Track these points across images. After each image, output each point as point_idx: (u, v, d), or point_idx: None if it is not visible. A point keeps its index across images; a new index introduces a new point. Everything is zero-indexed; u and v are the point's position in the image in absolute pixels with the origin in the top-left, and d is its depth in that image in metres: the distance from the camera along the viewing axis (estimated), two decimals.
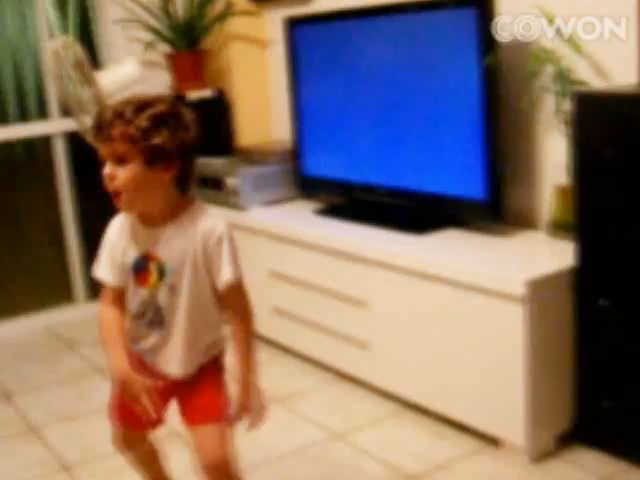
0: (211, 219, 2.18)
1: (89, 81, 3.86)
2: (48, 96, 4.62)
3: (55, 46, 3.85)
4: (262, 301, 3.92)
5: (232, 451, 2.30)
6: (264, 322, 3.95)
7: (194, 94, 4.45)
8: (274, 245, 3.78)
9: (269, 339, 3.98)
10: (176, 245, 2.14)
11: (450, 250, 3.13)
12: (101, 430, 2.74)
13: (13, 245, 4.66)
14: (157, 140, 2.01)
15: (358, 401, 3.41)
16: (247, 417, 2.27)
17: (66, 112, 4.50)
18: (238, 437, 3.17)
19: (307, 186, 4.04)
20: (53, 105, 4.63)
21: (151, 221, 2.15)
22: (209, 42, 4.62)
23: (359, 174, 3.67)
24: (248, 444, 3.11)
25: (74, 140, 4.62)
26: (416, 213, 3.46)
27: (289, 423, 3.28)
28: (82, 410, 2.80)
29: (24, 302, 4.67)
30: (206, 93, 4.51)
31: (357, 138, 3.65)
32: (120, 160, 2.03)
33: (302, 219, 3.79)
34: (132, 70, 3.94)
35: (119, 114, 2.01)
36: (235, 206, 4.01)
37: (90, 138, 2.29)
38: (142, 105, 2.03)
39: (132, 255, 2.18)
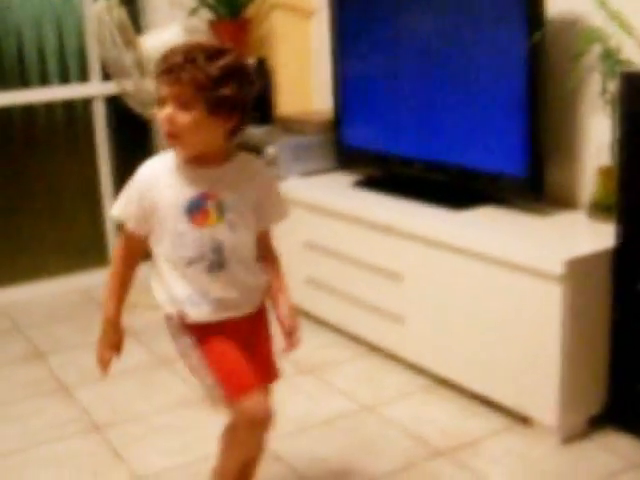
0: (262, 163, 2.39)
1: (132, 45, 3.86)
2: (89, 59, 4.63)
3: (99, 8, 3.84)
4: (296, 272, 3.92)
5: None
6: (297, 292, 3.94)
7: None
8: (311, 216, 3.77)
9: (302, 309, 3.98)
10: (233, 184, 2.16)
11: (488, 226, 3.11)
12: (132, 392, 2.78)
13: (49, 207, 4.68)
14: (225, 91, 2.01)
15: (389, 374, 3.41)
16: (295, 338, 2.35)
17: (107, 75, 4.52)
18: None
19: (346, 158, 4.02)
20: (94, 68, 4.63)
21: (206, 162, 2.15)
22: (252, 10, 4.60)
23: (399, 147, 3.66)
24: (279, 413, 3.14)
25: (113, 103, 4.64)
26: (455, 188, 3.44)
27: (320, 393, 3.29)
28: (114, 372, 2.81)
29: (59, 264, 4.70)
30: (247, 61, 4.49)
31: (398, 110, 3.63)
32: (183, 104, 2.03)
33: (340, 190, 3.78)
34: (175, 36, 3.93)
35: (191, 59, 2.00)
36: (274, 175, 3.99)
37: (152, 78, 2.27)
38: (214, 53, 2.03)
39: (186, 196, 2.14)
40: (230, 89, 2.02)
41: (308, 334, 3.84)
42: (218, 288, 2.19)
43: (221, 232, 2.16)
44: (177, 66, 2.00)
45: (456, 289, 3.08)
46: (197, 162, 2.15)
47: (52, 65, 4.58)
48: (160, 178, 2.16)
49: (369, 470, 2.75)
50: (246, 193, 2.19)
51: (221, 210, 2.15)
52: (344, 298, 3.66)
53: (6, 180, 4.56)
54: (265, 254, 2.35)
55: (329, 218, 3.66)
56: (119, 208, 2.21)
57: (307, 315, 3.95)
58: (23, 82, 4.51)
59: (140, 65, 3.86)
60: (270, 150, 3.99)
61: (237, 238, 2.18)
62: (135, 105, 4.09)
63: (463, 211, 3.28)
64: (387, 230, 3.34)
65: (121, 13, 3.78)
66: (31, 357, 3.78)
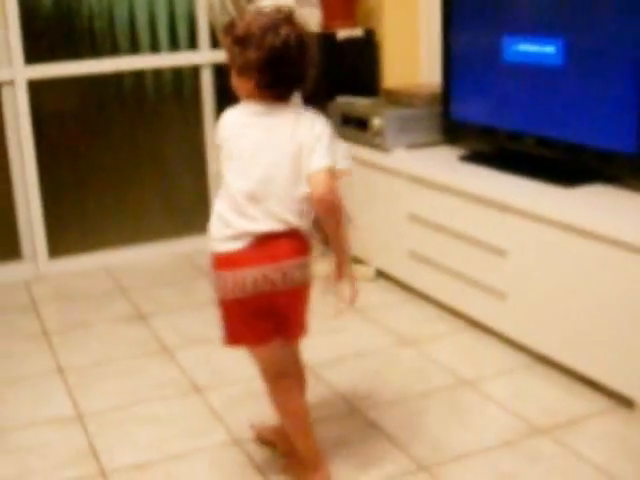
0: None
1: (242, 13, 3.87)
2: (199, 26, 4.66)
3: None
4: (398, 244, 3.92)
5: None
6: (399, 265, 3.96)
7: (343, 33, 4.43)
8: (416, 188, 3.75)
9: (403, 282, 3.98)
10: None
11: (597, 204, 3.05)
12: (231, 356, 2.79)
13: (156, 172, 4.75)
14: (232, 57, 2.31)
15: (489, 350, 3.38)
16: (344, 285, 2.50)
17: (215, 43, 4.55)
18: (368, 377, 3.20)
19: (453, 131, 3.98)
20: (203, 36, 4.67)
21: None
22: None
23: (508, 121, 3.60)
24: (378, 383, 3.15)
25: (221, 71, 4.67)
26: (564, 165, 3.38)
27: (419, 366, 3.28)
28: (214, 336, 2.83)
29: (163, 228, 4.77)
30: (355, 32, 4.48)
31: (507, 84, 3.58)
32: (229, 64, 2.35)
33: (446, 164, 3.74)
34: (286, 4, 3.93)
35: (225, 30, 2.34)
36: (379, 147, 3.98)
37: None
38: (235, 26, 2.29)
39: None
40: (231, 55, 2.31)
41: (409, 307, 3.87)
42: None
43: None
44: (224, 33, 2.36)
45: (562, 267, 3.02)
46: None
47: (162, 32, 4.63)
48: None
49: (468, 444, 2.73)
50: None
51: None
52: (446, 272, 3.63)
53: (115, 145, 4.64)
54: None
55: (434, 191, 3.63)
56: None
57: (409, 288, 3.94)
58: (134, 48, 4.58)
59: None
60: (376, 121, 3.97)
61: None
62: None
63: (572, 188, 3.21)
64: (493, 205, 3.30)
65: None
66: (134, 318, 3.85)
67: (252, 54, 2.24)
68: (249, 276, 2.29)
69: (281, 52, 2.25)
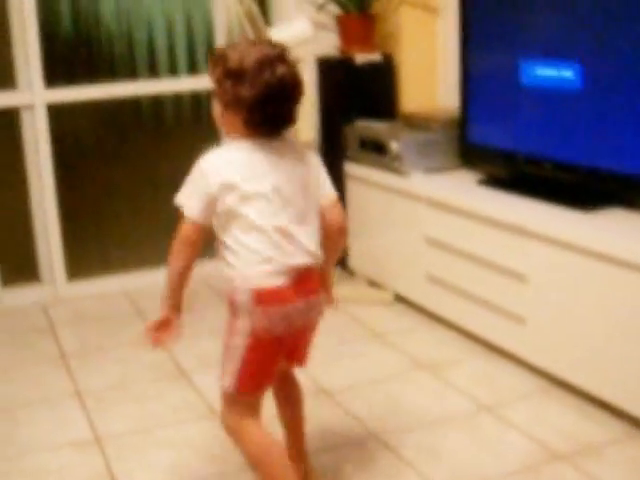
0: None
1: (261, 36, 3.89)
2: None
3: (231, 1, 3.89)
4: (416, 268, 3.91)
5: None
6: (416, 288, 3.96)
7: (361, 57, 4.44)
8: (434, 212, 3.75)
9: (421, 306, 3.97)
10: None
11: (617, 228, 3.03)
12: None
13: (174, 197, 4.74)
14: (220, 91, 2.23)
15: (507, 375, 3.37)
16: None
17: None
18: (386, 402, 3.20)
19: (471, 155, 3.98)
20: None
21: None
22: (379, 6, 4.60)
23: (525, 145, 3.60)
24: (396, 408, 3.14)
25: None
26: (583, 189, 3.37)
27: (437, 391, 3.26)
28: None
29: None
30: (373, 57, 4.49)
31: (525, 109, 3.58)
32: (215, 97, 2.28)
33: (464, 188, 3.74)
34: (304, 29, 3.94)
35: (213, 61, 2.25)
36: (396, 171, 3.99)
37: None
38: (226, 58, 2.20)
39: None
40: (222, 90, 2.22)
41: (427, 331, 3.86)
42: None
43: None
44: (210, 64, 2.27)
45: (580, 291, 3.01)
46: None
47: (181, 56, 4.66)
48: None
49: (487, 470, 2.71)
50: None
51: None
52: (464, 296, 3.62)
53: (133, 168, 4.66)
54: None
55: (452, 215, 3.63)
56: None
57: (427, 312, 3.94)
58: (153, 72, 4.60)
59: None
60: (394, 146, 3.98)
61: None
62: None
63: (591, 212, 3.21)
64: (512, 229, 3.30)
65: (251, 4, 3.82)
66: None
67: (245, 91, 2.16)
68: (294, 311, 2.25)
69: (276, 91, 2.18)
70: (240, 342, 2.26)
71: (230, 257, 2.28)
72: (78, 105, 4.46)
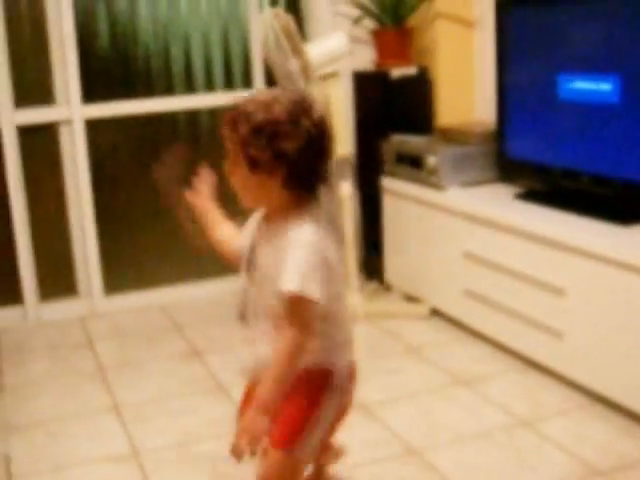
0: (301, 226, 2.06)
1: (298, 52, 3.90)
2: (253, 66, 4.71)
3: (267, 15, 3.90)
4: (454, 282, 3.90)
5: None
6: (454, 303, 3.94)
7: (397, 71, 4.44)
8: (471, 227, 3.73)
9: (458, 320, 3.95)
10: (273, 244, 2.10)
11: None
12: None
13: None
14: (252, 151, 1.99)
15: (545, 390, 3.34)
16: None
17: (270, 82, 4.58)
18: (424, 417, 3.18)
19: (508, 169, 3.96)
20: (257, 75, 4.71)
21: (269, 217, 2.16)
22: (415, 19, 4.60)
23: (564, 159, 3.58)
24: (434, 423, 3.13)
25: None
26: (621, 203, 3.35)
27: (474, 406, 3.24)
28: None
29: (217, 265, 4.78)
30: (409, 71, 4.49)
31: (562, 122, 3.56)
32: (233, 160, 2.07)
33: (502, 202, 3.73)
34: (340, 44, 3.95)
35: (232, 119, 2.04)
36: (434, 185, 3.98)
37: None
38: (249, 112, 2.00)
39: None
40: (255, 148, 1.98)
41: (464, 346, 3.84)
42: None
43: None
44: (228, 123, 2.05)
45: (619, 305, 2.99)
46: (265, 216, 2.20)
47: (217, 71, 4.68)
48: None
49: None
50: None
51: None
52: (502, 311, 3.60)
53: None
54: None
55: (490, 229, 3.62)
56: (311, 288, 2.00)
57: (464, 327, 3.92)
58: (190, 88, 4.63)
59: (305, 72, 3.90)
60: (431, 160, 3.97)
61: (261, 295, 2.13)
62: None
63: (629, 226, 3.18)
64: (550, 244, 3.28)
65: (289, 20, 3.83)
66: (188, 355, 3.87)
67: (287, 143, 1.96)
68: None
69: (317, 139, 2.01)
70: (331, 414, 2.21)
71: (319, 335, 2.11)
72: (115, 120, 4.50)
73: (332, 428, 2.27)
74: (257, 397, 2.05)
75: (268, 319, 2.11)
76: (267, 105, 1.99)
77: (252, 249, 2.16)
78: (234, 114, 2.03)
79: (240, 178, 2.06)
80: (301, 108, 2.00)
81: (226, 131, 2.06)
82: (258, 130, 1.97)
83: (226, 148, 2.09)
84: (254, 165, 2.00)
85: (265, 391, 2.04)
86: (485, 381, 3.46)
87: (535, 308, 3.41)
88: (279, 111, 1.98)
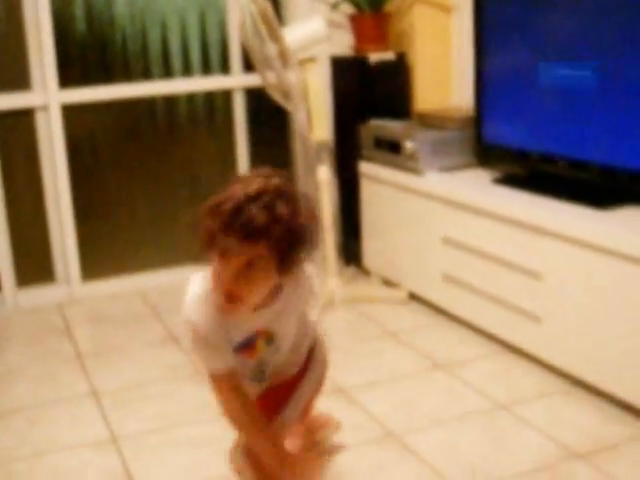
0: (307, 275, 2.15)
1: (275, 37, 3.89)
2: (231, 51, 4.69)
3: (245, 1, 3.89)
4: (432, 267, 3.91)
5: None
6: (432, 288, 3.95)
7: (375, 56, 4.44)
8: (449, 211, 3.74)
9: (436, 305, 3.97)
10: (284, 316, 2.10)
11: (632, 226, 3.00)
12: None
13: (189, 196, 4.75)
14: (291, 252, 1.91)
15: (524, 374, 3.36)
16: None
17: (247, 67, 4.57)
18: (402, 401, 3.19)
19: (486, 154, 3.97)
20: (235, 60, 4.70)
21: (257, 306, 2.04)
22: (393, 4, 4.60)
23: (541, 144, 3.59)
24: (412, 406, 3.14)
25: (253, 95, 4.71)
26: (599, 187, 3.36)
27: (452, 390, 3.26)
28: None
29: (192, 252, 4.77)
30: (387, 56, 4.49)
31: (540, 107, 3.57)
32: (253, 264, 1.90)
33: (479, 187, 3.73)
34: (318, 29, 3.95)
35: (278, 217, 1.87)
36: (412, 170, 3.98)
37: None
38: (293, 205, 1.91)
39: (238, 337, 2.06)
40: (295, 248, 1.91)
41: (442, 330, 3.85)
42: (255, 392, 2.21)
43: (266, 358, 2.14)
44: (262, 226, 1.84)
45: (597, 289, 3.01)
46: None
47: (194, 56, 4.66)
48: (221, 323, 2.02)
49: (503, 468, 2.70)
50: (293, 309, 2.14)
51: (270, 341, 2.11)
52: (480, 295, 3.62)
53: (148, 168, 4.67)
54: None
55: (468, 214, 3.63)
56: (212, 362, 2.07)
57: (442, 311, 3.94)
58: (166, 73, 4.61)
59: (283, 57, 3.89)
60: (409, 145, 3.97)
61: (281, 355, 2.18)
62: (277, 96, 4.12)
63: (606, 210, 3.20)
64: (527, 228, 3.29)
65: (266, 4, 3.82)
66: (167, 341, 3.86)
67: (278, 231, 1.84)
68: None
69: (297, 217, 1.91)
70: None
71: None
72: (92, 105, 4.47)
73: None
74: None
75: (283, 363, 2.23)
76: (275, 205, 1.88)
77: (257, 336, 2.10)
78: (273, 211, 1.86)
79: (258, 284, 1.94)
80: (269, 198, 1.88)
81: (257, 234, 1.85)
82: (294, 231, 1.89)
83: (230, 248, 1.89)
84: (289, 264, 1.92)
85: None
86: (463, 365, 3.47)
87: (513, 292, 3.42)
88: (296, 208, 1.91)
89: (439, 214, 3.81)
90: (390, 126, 4.22)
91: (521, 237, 3.33)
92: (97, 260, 4.61)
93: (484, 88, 3.88)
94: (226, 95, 4.75)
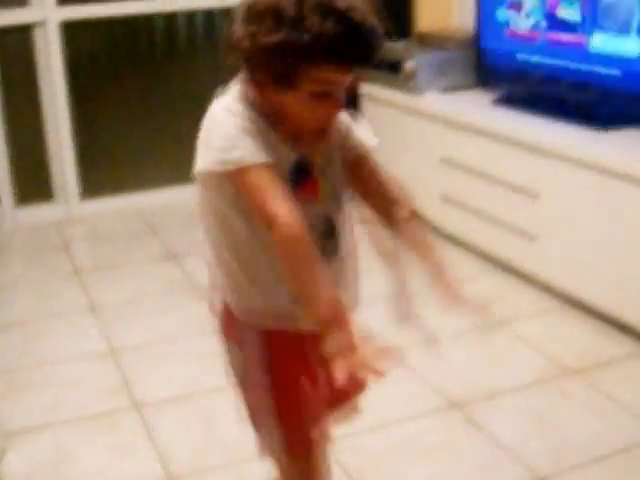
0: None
1: None
2: None
3: None
4: (430, 187, 3.90)
5: None
6: (430, 208, 3.94)
7: None
8: (448, 132, 3.73)
9: (434, 225, 3.97)
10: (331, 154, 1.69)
11: (632, 147, 3.01)
12: None
13: (189, 114, 4.68)
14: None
15: (520, 292, 3.38)
16: None
17: None
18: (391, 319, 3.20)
19: (486, 74, 3.94)
20: None
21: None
22: None
23: (542, 65, 3.56)
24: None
25: None
26: (599, 109, 3.34)
27: (449, 306, 3.27)
28: None
29: (191, 170, 4.77)
30: None
31: (542, 27, 3.54)
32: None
33: (479, 107, 3.72)
34: None
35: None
36: (411, 90, 3.96)
37: None
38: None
39: (286, 161, 1.59)
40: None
41: (440, 250, 3.84)
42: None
43: (330, 201, 1.69)
44: (375, 37, 1.50)
45: (594, 209, 3.01)
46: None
47: None
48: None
49: (498, 382, 2.74)
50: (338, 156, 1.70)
51: (323, 173, 1.66)
52: (478, 215, 3.62)
53: (148, 86, 4.64)
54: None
55: (467, 134, 3.61)
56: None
57: (440, 231, 3.94)
58: None
59: None
60: (408, 65, 3.94)
61: (340, 208, 1.71)
62: None
63: (606, 131, 3.19)
64: (527, 148, 3.28)
65: None
66: (166, 258, 3.88)
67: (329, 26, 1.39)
68: None
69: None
70: None
71: None
72: (91, 23, 4.42)
73: None
74: None
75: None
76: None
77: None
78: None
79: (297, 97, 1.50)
80: None
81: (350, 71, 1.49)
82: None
83: (336, 80, 1.52)
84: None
85: None
86: (460, 282, 3.48)
87: (511, 212, 3.43)
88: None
89: (438, 135, 3.80)
90: (390, 46, 4.16)
91: (520, 157, 3.33)
92: (96, 179, 4.61)
93: (485, 7, 3.84)
94: (226, 13, 4.70)
